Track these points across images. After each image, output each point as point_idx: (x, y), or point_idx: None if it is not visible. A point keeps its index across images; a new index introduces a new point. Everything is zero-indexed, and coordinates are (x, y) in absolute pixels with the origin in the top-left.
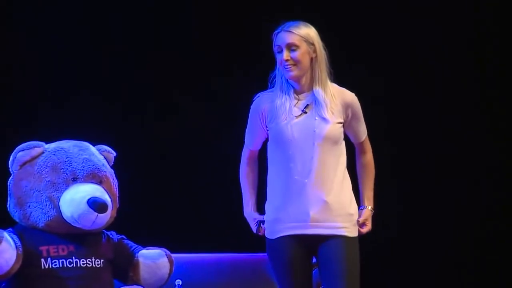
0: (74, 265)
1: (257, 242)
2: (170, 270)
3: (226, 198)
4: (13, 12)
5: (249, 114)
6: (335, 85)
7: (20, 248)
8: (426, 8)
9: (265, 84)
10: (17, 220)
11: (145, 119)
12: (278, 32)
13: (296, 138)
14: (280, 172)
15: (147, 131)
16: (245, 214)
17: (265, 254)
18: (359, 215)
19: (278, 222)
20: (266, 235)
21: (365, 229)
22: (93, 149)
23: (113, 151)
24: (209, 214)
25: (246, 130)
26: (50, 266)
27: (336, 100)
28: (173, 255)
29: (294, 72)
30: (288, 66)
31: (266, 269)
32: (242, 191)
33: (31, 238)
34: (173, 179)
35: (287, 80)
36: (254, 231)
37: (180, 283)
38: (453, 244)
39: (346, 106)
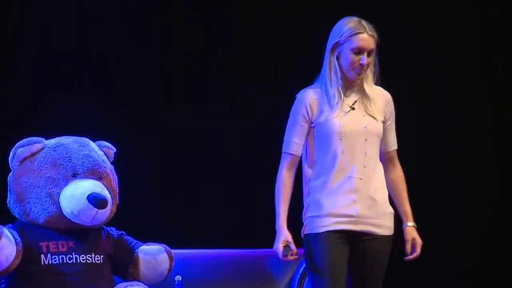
0: (74, 261)
1: (257, 238)
2: (170, 266)
3: (226, 194)
4: (12, 8)
5: (293, 111)
6: (374, 85)
7: (20, 244)
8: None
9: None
10: (17, 216)
11: (145, 115)
12: (359, 33)
13: (348, 134)
14: (329, 167)
15: (147, 126)
16: (277, 228)
17: (266, 250)
18: (408, 234)
19: (322, 217)
20: (308, 231)
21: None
22: (93, 145)
23: (113, 147)
24: (209, 210)
25: (287, 133)
26: (50, 262)
27: (379, 98)
28: (173, 251)
29: (362, 76)
30: (362, 71)
31: (266, 265)
32: (278, 202)
33: (31, 234)
34: (173, 175)
35: (340, 76)
36: (281, 253)
37: (180, 279)
38: (455, 244)
39: (385, 105)
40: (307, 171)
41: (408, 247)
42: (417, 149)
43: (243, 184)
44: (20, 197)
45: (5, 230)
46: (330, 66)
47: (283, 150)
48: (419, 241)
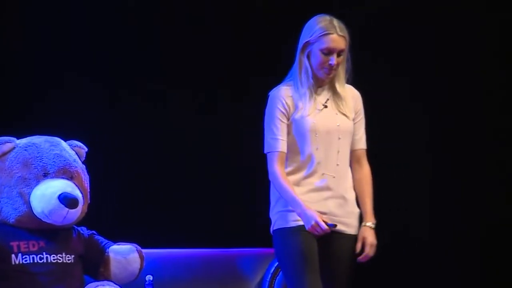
0: (45, 261)
1: (228, 237)
2: (141, 265)
3: (197, 193)
4: None
5: (270, 109)
6: (345, 83)
7: None
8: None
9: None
10: None
11: (115, 114)
12: (329, 34)
13: (322, 131)
14: (304, 164)
15: (118, 125)
16: (303, 212)
17: (238, 249)
18: (360, 234)
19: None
20: (278, 226)
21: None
22: (64, 144)
23: (84, 147)
24: (180, 210)
25: (268, 132)
26: (21, 262)
27: (349, 96)
28: (144, 251)
29: (332, 76)
30: (332, 71)
31: (237, 265)
32: (287, 191)
33: (2, 234)
34: (144, 175)
35: (311, 75)
36: (323, 227)
37: (151, 279)
38: (455, 244)
39: (355, 103)
40: None
41: (359, 246)
42: (417, 149)
43: (214, 184)
44: None
45: None
46: (301, 65)
47: (268, 150)
48: (369, 241)
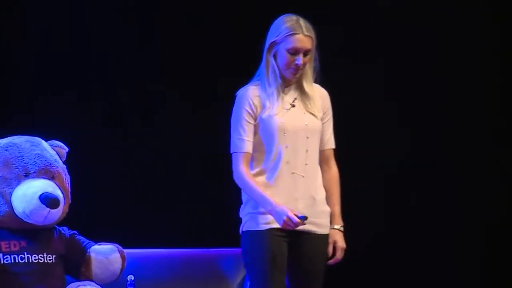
0: (26, 261)
1: (210, 237)
2: (122, 265)
3: (179, 193)
4: None
5: (237, 109)
6: (313, 83)
7: None
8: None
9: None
10: None
11: (97, 113)
12: (295, 34)
13: (290, 131)
14: (273, 164)
15: (99, 125)
16: (274, 209)
17: (219, 249)
18: (331, 237)
19: (265, 214)
20: (248, 228)
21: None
22: (45, 144)
23: (65, 147)
24: (161, 210)
25: (235, 132)
26: (2, 262)
27: (317, 96)
28: (125, 251)
29: (299, 75)
30: (298, 71)
31: (219, 265)
32: (255, 190)
33: None
34: (125, 174)
35: (279, 75)
36: (295, 221)
37: (133, 279)
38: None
39: (323, 102)
40: None
41: (330, 249)
42: (417, 149)
43: (195, 184)
44: None
45: None
46: (268, 65)
47: (234, 151)
48: (339, 245)
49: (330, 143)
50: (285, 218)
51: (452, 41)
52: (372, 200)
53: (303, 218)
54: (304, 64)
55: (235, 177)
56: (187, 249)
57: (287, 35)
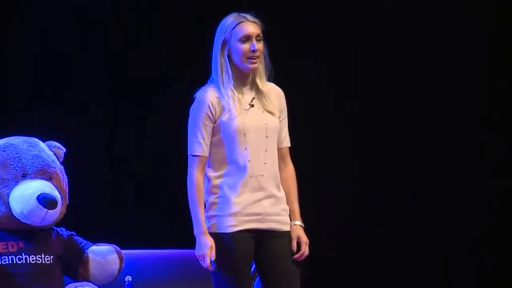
0: (24, 262)
1: None
2: (120, 266)
3: (176, 194)
4: None
5: (195, 111)
6: (266, 81)
7: None
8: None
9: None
10: None
11: (95, 115)
12: (241, 22)
13: (251, 131)
14: (234, 166)
15: (97, 126)
16: (198, 234)
17: None
18: (294, 232)
19: (232, 216)
20: (215, 230)
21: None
22: (42, 145)
23: (62, 147)
24: (159, 210)
25: (192, 134)
26: (0, 263)
27: (273, 94)
28: (123, 251)
29: (257, 65)
30: (256, 57)
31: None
32: (195, 207)
33: None
34: (123, 175)
35: (232, 73)
36: (210, 262)
37: (130, 280)
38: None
39: (279, 100)
40: (207, 170)
41: (294, 245)
42: (417, 149)
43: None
44: None
45: None
46: (222, 66)
47: (190, 153)
48: (303, 239)
49: (286, 141)
50: (201, 253)
51: (452, 42)
52: (372, 200)
53: (214, 267)
54: (260, 51)
55: (187, 180)
56: (185, 250)
57: (234, 27)
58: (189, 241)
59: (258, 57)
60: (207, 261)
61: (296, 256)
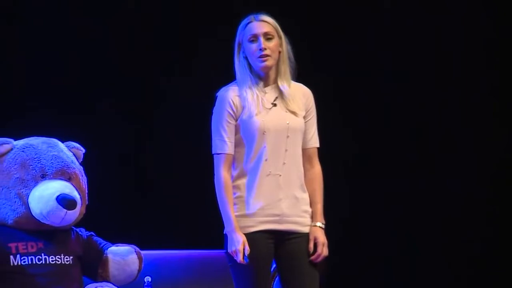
0: (44, 262)
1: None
2: (139, 266)
3: (196, 195)
4: None
5: (218, 110)
6: (292, 81)
7: None
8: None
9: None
10: None
11: (114, 115)
12: (250, 22)
13: (271, 131)
14: (253, 165)
15: (117, 127)
16: (230, 232)
17: None
18: (311, 234)
19: (249, 217)
20: None
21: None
22: (62, 145)
23: (82, 148)
24: (178, 211)
25: (215, 133)
26: (19, 263)
27: (299, 94)
28: (143, 252)
29: (269, 62)
30: (265, 56)
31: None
32: (225, 205)
33: (0, 235)
34: (143, 176)
35: (252, 73)
36: (239, 258)
37: (150, 280)
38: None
39: (305, 100)
40: None
41: (311, 246)
42: (417, 149)
43: (212, 185)
44: None
45: None
46: (240, 67)
47: (215, 152)
48: (320, 241)
49: (313, 142)
50: (234, 249)
51: (452, 41)
52: (373, 200)
53: (246, 261)
54: (271, 50)
55: (215, 179)
56: (204, 250)
57: (244, 29)
58: (208, 241)
59: (267, 55)
60: (240, 256)
61: (312, 257)
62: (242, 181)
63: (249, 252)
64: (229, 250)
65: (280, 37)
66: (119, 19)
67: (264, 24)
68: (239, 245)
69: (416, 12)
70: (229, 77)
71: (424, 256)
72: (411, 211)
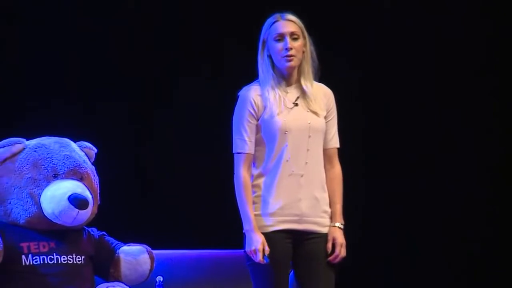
0: (55, 262)
1: (238, 238)
2: (151, 266)
3: (208, 194)
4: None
5: (239, 109)
6: (314, 81)
7: (1, 245)
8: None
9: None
10: None
11: (127, 115)
12: (276, 21)
13: (293, 130)
14: (274, 164)
15: (129, 126)
16: (251, 232)
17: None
18: (330, 234)
19: (269, 216)
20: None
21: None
22: (74, 145)
23: (94, 148)
24: (190, 210)
25: (236, 132)
26: (31, 263)
27: (320, 94)
28: (154, 252)
29: (294, 62)
30: (290, 56)
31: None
32: (244, 204)
33: (12, 235)
34: (154, 175)
35: (275, 72)
36: (262, 257)
37: (161, 280)
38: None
39: (327, 100)
40: None
41: (329, 246)
42: (417, 149)
43: (224, 184)
44: (1, 197)
45: None
46: (262, 65)
47: (236, 151)
48: (339, 241)
49: (334, 142)
50: (253, 248)
51: (452, 42)
52: (373, 200)
53: (266, 261)
54: (296, 49)
55: (234, 178)
56: (216, 250)
57: (270, 27)
58: (220, 241)
59: (293, 55)
60: (260, 256)
61: (330, 258)
62: (262, 181)
63: (268, 251)
64: (247, 250)
65: (304, 37)
66: (119, 19)
67: (290, 23)
68: (258, 244)
69: (416, 12)
70: (230, 77)
71: (424, 256)
72: (411, 211)
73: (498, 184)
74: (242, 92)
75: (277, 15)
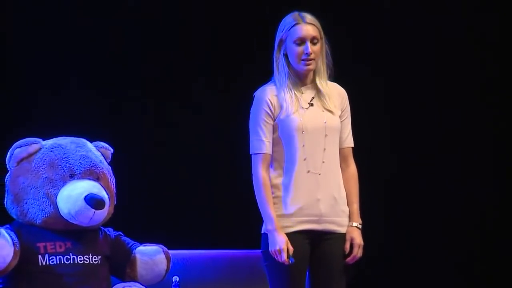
0: (72, 262)
1: (254, 239)
2: (167, 266)
3: (224, 194)
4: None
5: (255, 110)
6: (328, 81)
7: (18, 245)
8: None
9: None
10: (15, 217)
11: (143, 115)
12: (297, 24)
13: (309, 130)
14: (291, 164)
15: (145, 127)
16: (274, 232)
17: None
18: (348, 234)
19: (288, 217)
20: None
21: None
22: (90, 145)
23: (110, 148)
24: (207, 211)
25: (253, 133)
26: (48, 263)
27: (335, 93)
28: (170, 252)
29: (312, 66)
30: (310, 59)
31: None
32: (264, 204)
33: (29, 235)
34: (170, 176)
35: (291, 71)
36: (286, 257)
37: (178, 280)
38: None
39: (341, 100)
40: None
41: (346, 246)
42: (417, 149)
43: (241, 185)
44: (17, 197)
45: (3, 231)
46: (278, 65)
47: (253, 152)
48: (357, 242)
49: (348, 141)
50: (277, 248)
51: (452, 42)
52: (372, 200)
53: (292, 262)
54: (316, 54)
55: (253, 179)
56: (232, 250)
57: (290, 28)
58: (237, 241)
59: (312, 59)
60: (284, 256)
61: (347, 259)
62: (280, 181)
63: (292, 251)
64: (270, 250)
65: (321, 38)
66: (119, 19)
67: (312, 28)
68: (283, 244)
69: (416, 12)
70: (231, 77)
71: (424, 256)
72: (411, 211)
73: (498, 184)
74: (257, 93)
75: (297, 17)
